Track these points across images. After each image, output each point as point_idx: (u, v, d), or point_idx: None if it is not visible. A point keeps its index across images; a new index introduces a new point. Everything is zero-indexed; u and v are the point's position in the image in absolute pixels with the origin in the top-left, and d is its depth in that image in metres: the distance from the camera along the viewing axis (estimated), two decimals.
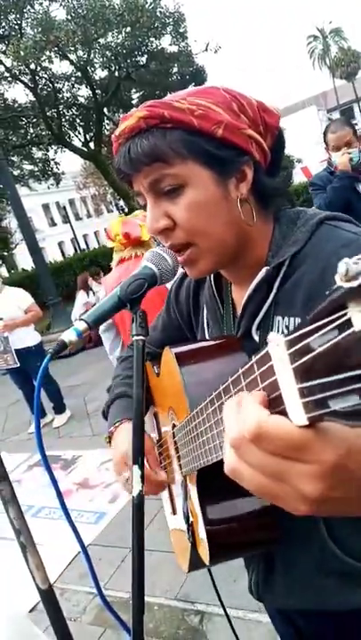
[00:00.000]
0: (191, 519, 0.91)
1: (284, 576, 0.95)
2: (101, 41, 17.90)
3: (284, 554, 0.93)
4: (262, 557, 0.98)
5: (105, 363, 7.96)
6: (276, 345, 0.36)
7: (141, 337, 0.79)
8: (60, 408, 5.88)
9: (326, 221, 0.84)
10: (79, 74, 18.68)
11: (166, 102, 0.78)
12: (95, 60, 18.80)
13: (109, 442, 1.10)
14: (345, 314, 0.30)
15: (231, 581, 2.39)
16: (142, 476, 0.74)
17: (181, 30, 19.29)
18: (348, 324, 0.29)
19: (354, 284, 0.28)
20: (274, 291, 0.85)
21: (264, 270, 0.84)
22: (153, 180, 0.81)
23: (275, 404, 0.39)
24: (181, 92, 0.83)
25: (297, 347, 0.34)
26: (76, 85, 19.65)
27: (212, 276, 1.02)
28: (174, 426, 0.97)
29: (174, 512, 1.14)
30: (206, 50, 20.15)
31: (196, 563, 0.96)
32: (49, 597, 1.06)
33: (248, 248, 0.88)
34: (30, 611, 2.74)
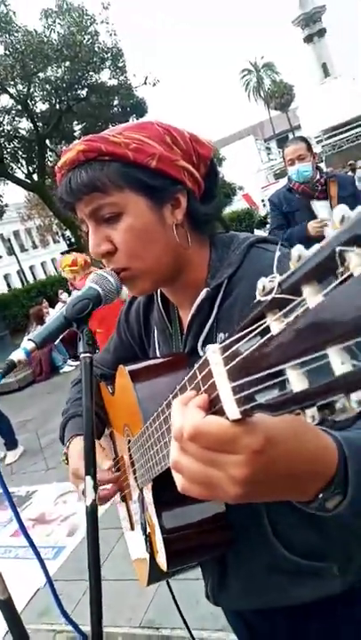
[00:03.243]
0: (148, 530, 0.95)
1: (236, 578, 1.01)
2: (41, 75, 18.06)
3: (234, 557, 0.99)
4: (216, 563, 1.03)
5: (56, 395, 7.86)
6: (213, 352, 0.43)
7: (88, 354, 0.83)
8: (11, 444, 5.72)
9: (256, 244, 0.93)
10: (19, 107, 18.71)
11: (103, 137, 0.85)
12: (35, 94, 18.89)
13: (67, 462, 1.14)
14: (265, 322, 0.37)
15: (194, 603, 2.40)
16: (95, 486, 0.77)
17: (120, 65, 19.76)
18: (268, 330, 0.36)
19: (269, 297, 0.35)
20: (215, 310, 0.92)
21: (204, 291, 0.91)
22: (93, 208, 0.87)
23: (214, 403, 0.46)
24: (118, 126, 0.90)
25: (229, 352, 0.41)
26: (16, 118, 19.63)
27: (159, 299, 1.08)
28: (129, 441, 1.01)
29: (132, 527, 1.18)
30: (145, 83, 20.70)
31: (155, 574, 0.99)
32: (8, 607, 1.06)
33: (186, 270, 0.95)
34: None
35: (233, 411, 0.41)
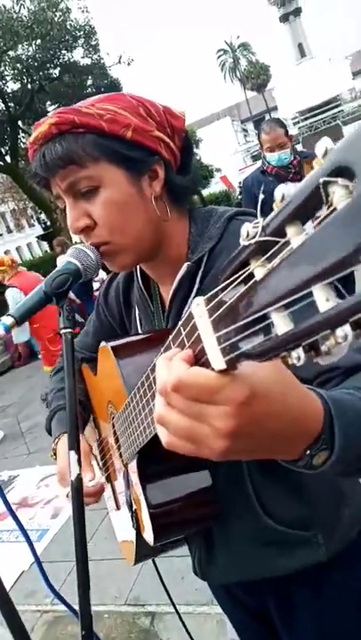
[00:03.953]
0: (134, 507, 0.95)
1: (223, 551, 1.01)
2: (11, 53, 17.59)
3: (221, 530, 0.99)
4: (202, 536, 1.03)
5: (36, 379, 7.81)
6: (197, 304, 0.43)
7: (69, 330, 0.82)
8: None
9: (236, 217, 0.93)
10: None
11: (76, 109, 0.83)
12: (6, 73, 18.41)
13: (55, 457, 1.13)
14: (248, 269, 0.36)
15: (179, 579, 2.44)
16: (79, 460, 0.77)
17: (93, 43, 19.36)
18: (251, 276, 0.36)
19: (252, 241, 0.35)
20: (197, 284, 0.91)
21: (185, 266, 0.90)
22: (70, 182, 0.85)
23: (199, 356, 0.45)
24: (90, 99, 0.88)
25: (213, 302, 0.41)
26: None
27: (139, 276, 1.07)
28: (113, 417, 1.00)
29: (118, 507, 1.18)
30: (119, 62, 20.36)
31: (142, 551, 0.99)
32: None
33: (166, 244, 0.94)
34: None
35: (218, 360, 0.41)
